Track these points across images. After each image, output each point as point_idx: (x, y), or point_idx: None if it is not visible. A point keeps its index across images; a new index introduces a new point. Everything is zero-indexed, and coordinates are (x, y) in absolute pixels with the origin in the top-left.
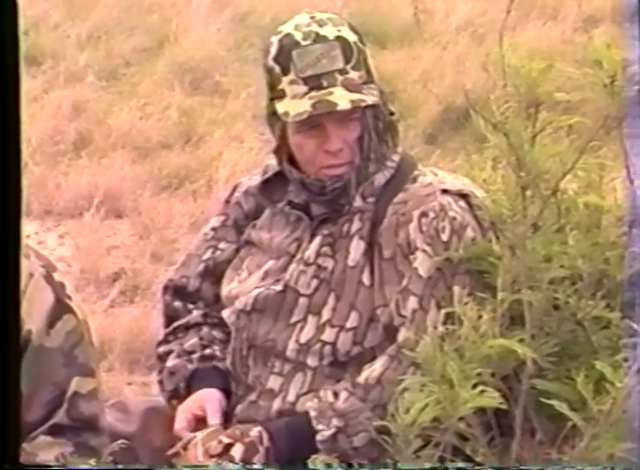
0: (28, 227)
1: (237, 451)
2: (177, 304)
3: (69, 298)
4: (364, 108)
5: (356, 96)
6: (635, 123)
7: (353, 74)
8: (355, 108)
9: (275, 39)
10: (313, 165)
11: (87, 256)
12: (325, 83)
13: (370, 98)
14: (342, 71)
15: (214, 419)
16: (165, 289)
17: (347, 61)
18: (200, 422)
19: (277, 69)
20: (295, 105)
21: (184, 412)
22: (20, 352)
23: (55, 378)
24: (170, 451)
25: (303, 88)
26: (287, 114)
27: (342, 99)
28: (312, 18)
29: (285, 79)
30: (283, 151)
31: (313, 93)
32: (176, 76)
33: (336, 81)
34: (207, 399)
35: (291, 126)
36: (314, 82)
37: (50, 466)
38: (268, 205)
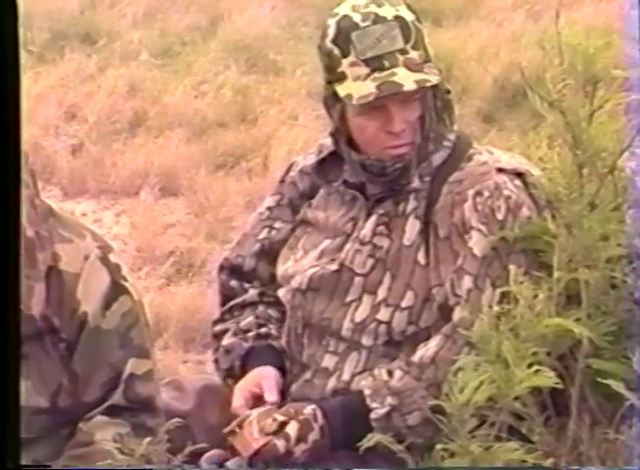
0: (85, 206)
1: (292, 429)
2: (233, 283)
3: (125, 279)
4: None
5: (420, 76)
6: None
7: (413, 54)
8: (419, 88)
9: (332, 21)
10: (374, 147)
11: (143, 234)
12: (387, 64)
13: (433, 77)
14: (403, 51)
15: (272, 396)
16: (221, 268)
17: (407, 40)
18: (257, 400)
19: (336, 51)
20: (358, 87)
21: (241, 390)
22: (19, 351)
23: (111, 359)
24: (226, 430)
25: (365, 70)
26: (350, 96)
27: (406, 79)
28: None
29: (345, 62)
30: (341, 133)
31: (376, 75)
32: (231, 55)
33: (397, 62)
34: (264, 377)
35: (352, 108)
36: (376, 64)
37: (50, 466)
38: (323, 184)
